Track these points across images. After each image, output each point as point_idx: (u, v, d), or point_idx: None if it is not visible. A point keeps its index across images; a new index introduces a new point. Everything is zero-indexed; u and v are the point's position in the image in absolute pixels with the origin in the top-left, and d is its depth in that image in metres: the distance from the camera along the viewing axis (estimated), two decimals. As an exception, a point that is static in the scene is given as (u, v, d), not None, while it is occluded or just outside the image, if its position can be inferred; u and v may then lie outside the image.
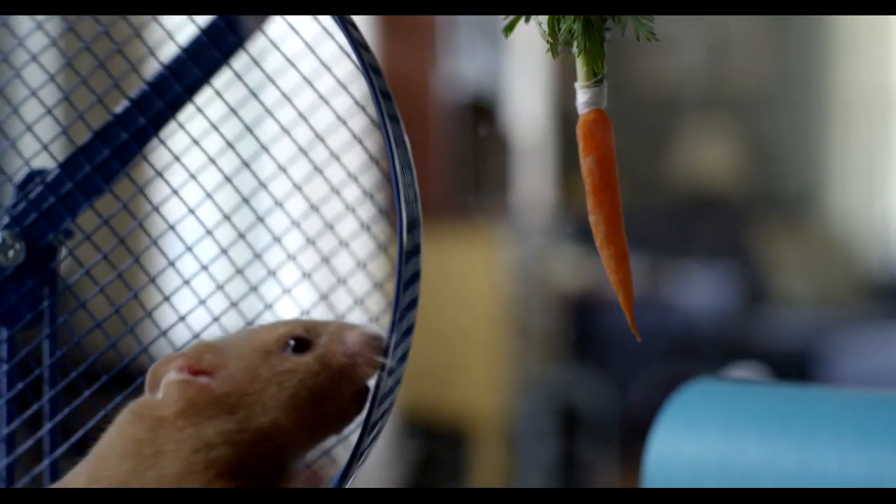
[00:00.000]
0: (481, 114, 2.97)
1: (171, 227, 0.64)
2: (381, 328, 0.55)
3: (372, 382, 0.53)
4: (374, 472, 2.30)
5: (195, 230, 0.66)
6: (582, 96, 0.51)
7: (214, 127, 0.64)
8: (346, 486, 0.55)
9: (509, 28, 0.51)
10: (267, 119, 0.67)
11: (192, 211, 0.65)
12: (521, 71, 3.00)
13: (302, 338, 0.53)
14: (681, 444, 0.68)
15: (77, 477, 0.52)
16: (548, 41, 0.53)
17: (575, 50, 0.51)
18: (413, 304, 0.57)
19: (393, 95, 0.58)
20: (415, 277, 0.56)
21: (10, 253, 0.60)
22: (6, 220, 0.60)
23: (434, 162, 2.75)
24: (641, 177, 3.64)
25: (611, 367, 2.89)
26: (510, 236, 2.76)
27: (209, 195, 0.64)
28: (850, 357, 3.06)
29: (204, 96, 0.66)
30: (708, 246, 3.50)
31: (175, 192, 0.64)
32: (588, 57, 0.50)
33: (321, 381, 0.52)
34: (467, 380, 2.68)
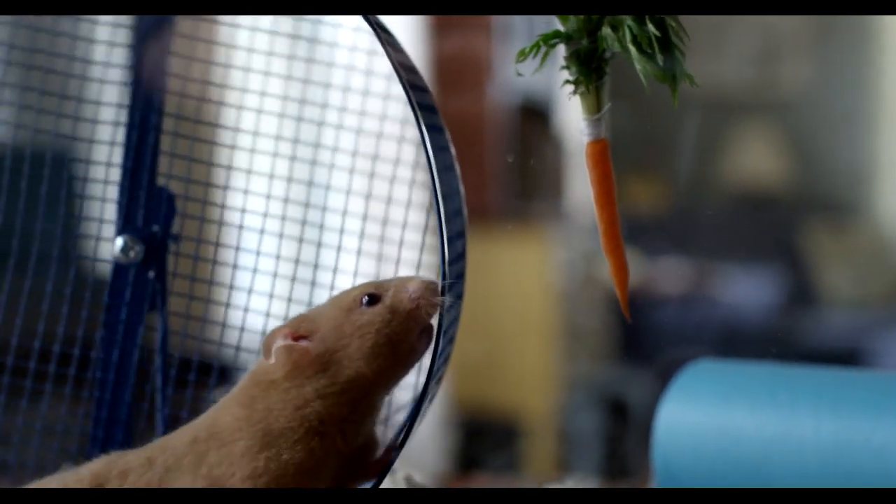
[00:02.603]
0: (534, 118, 3.05)
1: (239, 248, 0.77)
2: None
3: (434, 320, 0.65)
4: (425, 463, 2.40)
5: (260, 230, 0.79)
6: (590, 128, 0.64)
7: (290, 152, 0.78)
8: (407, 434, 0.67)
9: (521, 55, 0.63)
10: (325, 124, 0.80)
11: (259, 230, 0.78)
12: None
13: (373, 294, 0.64)
14: (684, 414, 0.81)
15: (205, 419, 0.65)
16: (570, 80, 0.66)
17: (581, 87, 0.64)
18: (461, 256, 0.69)
19: (438, 106, 0.70)
20: (461, 235, 0.69)
21: (132, 253, 0.74)
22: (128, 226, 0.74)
23: (489, 165, 2.83)
24: (691, 179, 3.72)
25: (658, 362, 2.97)
26: (561, 237, 2.85)
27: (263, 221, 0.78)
28: (894, 357, 3.11)
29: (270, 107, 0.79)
30: (755, 246, 3.55)
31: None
32: (594, 94, 0.64)
33: (393, 326, 0.64)
34: (519, 375, 2.78)
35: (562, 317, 2.80)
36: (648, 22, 0.63)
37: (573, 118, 3.09)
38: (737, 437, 0.78)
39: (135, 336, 0.75)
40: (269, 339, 0.64)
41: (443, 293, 0.65)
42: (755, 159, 3.73)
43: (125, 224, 0.74)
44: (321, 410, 0.64)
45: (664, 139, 3.46)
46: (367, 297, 0.64)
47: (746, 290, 3.31)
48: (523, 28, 2.88)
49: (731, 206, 3.72)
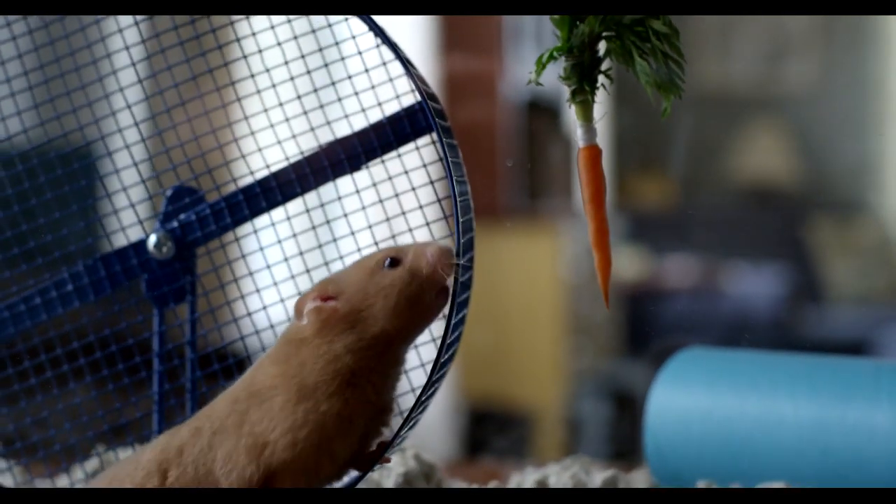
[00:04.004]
0: (543, 116, 3.09)
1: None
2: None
3: (450, 282, 0.71)
4: (434, 447, 2.44)
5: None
6: (584, 134, 0.70)
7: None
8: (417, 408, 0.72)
9: (539, 63, 0.69)
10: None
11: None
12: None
13: (394, 257, 0.71)
14: (674, 398, 0.87)
15: (243, 381, 0.71)
16: (568, 89, 0.72)
17: (579, 96, 0.70)
18: (470, 225, 0.74)
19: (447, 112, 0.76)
20: (469, 224, 0.74)
21: (164, 249, 0.81)
22: (162, 224, 0.81)
23: (500, 164, 2.88)
24: (698, 176, 3.77)
25: (664, 355, 3.01)
26: (570, 232, 2.90)
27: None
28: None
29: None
30: (762, 242, 3.59)
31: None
32: (588, 102, 0.70)
33: (413, 287, 0.70)
34: (528, 366, 2.83)
35: (570, 310, 2.85)
36: (652, 38, 0.68)
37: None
38: (722, 418, 0.84)
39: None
40: (299, 302, 0.71)
41: (456, 272, 0.70)
42: (762, 156, 3.77)
43: (162, 223, 0.80)
44: (352, 364, 0.69)
45: (672, 138, 3.51)
46: (388, 260, 0.70)
47: (753, 285, 3.35)
48: (531, 33, 2.93)
49: (739, 202, 3.76)
